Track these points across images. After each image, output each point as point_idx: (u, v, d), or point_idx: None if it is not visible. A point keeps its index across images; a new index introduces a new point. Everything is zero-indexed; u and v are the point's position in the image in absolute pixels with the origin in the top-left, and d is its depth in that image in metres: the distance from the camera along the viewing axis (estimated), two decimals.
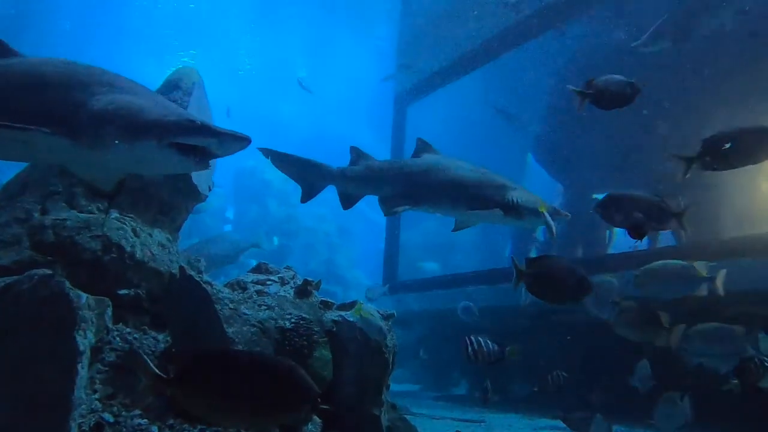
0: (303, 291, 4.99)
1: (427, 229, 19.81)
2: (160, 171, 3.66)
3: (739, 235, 8.26)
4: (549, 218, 5.44)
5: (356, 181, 6.12)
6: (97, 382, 3.77)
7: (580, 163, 12.58)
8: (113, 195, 4.15)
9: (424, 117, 15.38)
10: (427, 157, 6.11)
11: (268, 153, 6.08)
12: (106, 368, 3.91)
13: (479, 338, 4.13)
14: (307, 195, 6.23)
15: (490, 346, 4.08)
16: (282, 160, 6.21)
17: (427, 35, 14.95)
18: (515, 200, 5.59)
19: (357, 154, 6.25)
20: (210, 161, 3.61)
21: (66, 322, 3.30)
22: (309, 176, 6.17)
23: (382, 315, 5.06)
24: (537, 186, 10.77)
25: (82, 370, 3.29)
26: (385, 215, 6.08)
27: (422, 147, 6.26)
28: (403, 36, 17.18)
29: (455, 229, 6.28)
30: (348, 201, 6.22)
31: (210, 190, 5.67)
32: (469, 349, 4.02)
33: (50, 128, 3.31)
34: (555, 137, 13.15)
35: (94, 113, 3.38)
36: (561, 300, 4.16)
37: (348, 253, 29.07)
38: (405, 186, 5.92)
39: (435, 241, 19.73)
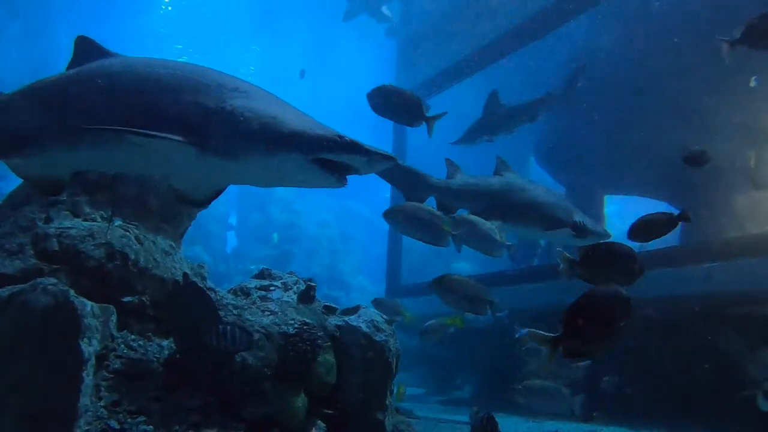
0: (306, 296, 5.00)
1: None
2: (295, 185, 3.41)
3: (740, 235, 8.25)
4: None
5: (456, 194, 6.26)
6: (103, 389, 3.78)
7: (582, 164, 12.57)
8: (205, 203, 3.91)
9: None
10: (508, 176, 6.32)
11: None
12: (112, 375, 3.94)
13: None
14: None
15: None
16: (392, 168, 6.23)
17: (426, 38, 14.98)
18: (583, 222, 5.94)
19: (453, 167, 6.37)
20: (344, 179, 3.30)
21: (71, 330, 3.32)
22: (416, 186, 6.24)
23: (385, 319, 5.08)
24: None
25: (88, 378, 3.32)
26: None
27: (502, 166, 6.46)
28: (403, 41, 17.20)
29: (520, 241, 6.48)
30: (446, 213, 6.25)
31: None
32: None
33: (181, 136, 3.01)
34: (556, 139, 13.13)
35: (228, 121, 3.06)
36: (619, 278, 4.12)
37: (351, 258, 29.14)
38: (493, 203, 6.12)
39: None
